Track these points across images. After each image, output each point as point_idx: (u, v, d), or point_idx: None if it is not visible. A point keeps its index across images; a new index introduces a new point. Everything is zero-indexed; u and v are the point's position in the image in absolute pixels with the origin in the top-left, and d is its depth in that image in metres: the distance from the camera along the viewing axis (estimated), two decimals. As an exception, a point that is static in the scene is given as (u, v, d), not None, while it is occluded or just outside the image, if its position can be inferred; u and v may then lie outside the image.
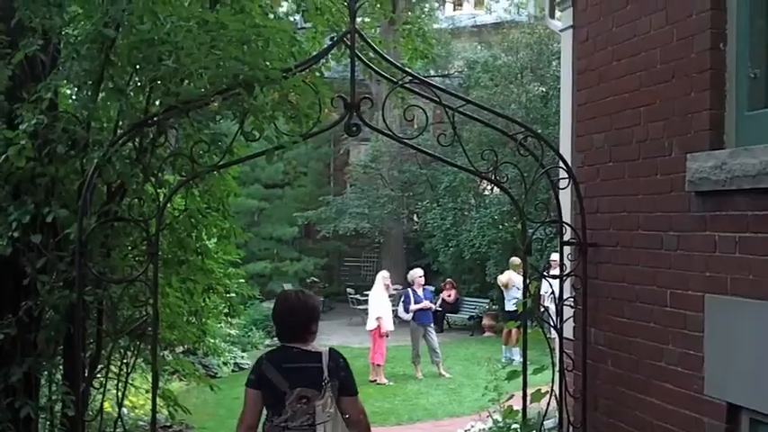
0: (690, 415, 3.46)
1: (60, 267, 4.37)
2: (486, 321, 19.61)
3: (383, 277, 14.09)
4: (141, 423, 8.59)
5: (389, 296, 14.55)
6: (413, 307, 14.07)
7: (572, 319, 4.45)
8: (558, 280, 4.41)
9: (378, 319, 13.43)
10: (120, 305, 4.61)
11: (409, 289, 14.48)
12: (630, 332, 3.98)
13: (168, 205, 5.20)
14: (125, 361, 4.97)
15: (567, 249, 4.54)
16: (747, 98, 3.37)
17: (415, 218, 24.10)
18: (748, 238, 3.17)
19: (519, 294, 15.01)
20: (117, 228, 4.67)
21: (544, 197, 5.76)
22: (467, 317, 20.51)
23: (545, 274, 16.71)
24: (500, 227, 19.16)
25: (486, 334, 19.30)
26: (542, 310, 16.52)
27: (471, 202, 21.51)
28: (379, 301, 13.69)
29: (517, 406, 8.22)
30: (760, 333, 3.08)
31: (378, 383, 13.04)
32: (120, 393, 4.80)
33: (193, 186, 4.71)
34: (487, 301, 19.99)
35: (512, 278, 15.07)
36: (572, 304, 4.41)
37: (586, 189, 4.39)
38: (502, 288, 15.38)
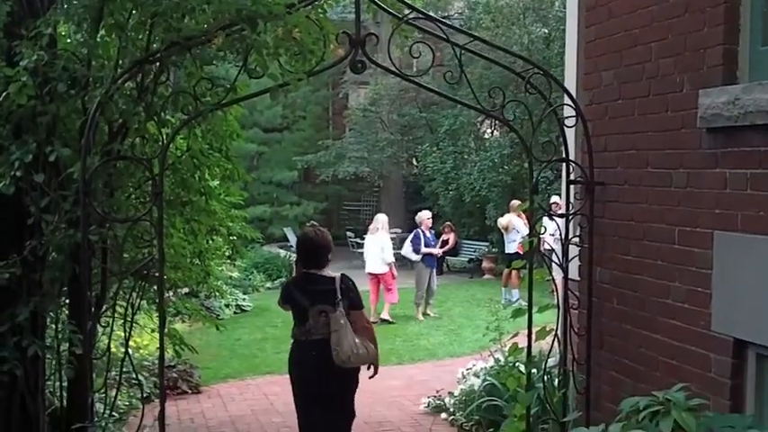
0: (696, 351, 3.49)
1: (64, 207, 4.34)
2: (485, 264, 19.71)
3: (385, 221, 14.00)
4: (146, 363, 8.67)
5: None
6: (424, 249, 14.22)
7: (577, 258, 4.45)
8: (563, 219, 4.39)
9: (390, 264, 13.61)
10: (125, 246, 4.61)
11: (419, 230, 14.56)
12: (637, 270, 3.98)
13: (171, 146, 5.17)
14: (130, 301, 4.98)
15: (573, 189, 4.51)
16: (762, 33, 3.31)
17: (415, 162, 24.00)
18: (760, 174, 3.14)
19: (519, 237, 15.18)
20: (120, 168, 4.63)
21: (549, 137, 5.70)
22: (466, 260, 20.62)
23: (551, 213, 16.60)
24: (500, 170, 19.10)
25: (486, 276, 19.42)
26: (545, 250, 16.55)
27: (471, 146, 21.41)
28: (388, 245, 13.75)
29: (520, 345, 8.36)
30: (769, 269, 3.08)
31: (389, 322, 13.32)
32: (126, 333, 4.81)
33: (196, 126, 4.66)
34: (487, 243, 20.07)
35: (512, 221, 15.09)
36: (578, 243, 4.41)
37: (594, 127, 4.34)
38: (502, 231, 15.41)
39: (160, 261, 3.88)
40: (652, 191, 3.88)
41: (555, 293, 4.48)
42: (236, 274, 16.06)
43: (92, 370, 4.38)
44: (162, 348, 4.04)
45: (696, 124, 3.48)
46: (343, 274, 5.13)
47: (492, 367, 7.46)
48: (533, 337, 4.52)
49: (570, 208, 4.49)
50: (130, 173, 4.60)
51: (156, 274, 5.20)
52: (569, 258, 4.40)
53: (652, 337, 3.85)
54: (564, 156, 4.42)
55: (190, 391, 8.80)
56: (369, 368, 5.18)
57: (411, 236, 14.82)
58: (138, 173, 4.62)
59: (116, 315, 5.36)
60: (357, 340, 4.94)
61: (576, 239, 4.40)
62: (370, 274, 13.73)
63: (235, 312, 14.68)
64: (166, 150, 3.83)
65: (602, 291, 4.26)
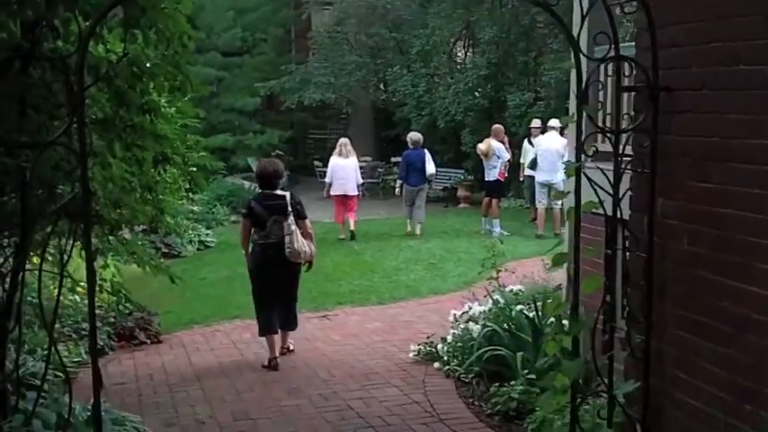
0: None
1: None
2: (461, 192, 18.82)
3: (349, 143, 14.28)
4: (99, 310, 7.65)
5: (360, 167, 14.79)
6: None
7: (629, 187, 3.50)
8: (617, 135, 3.37)
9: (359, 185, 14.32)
10: (47, 178, 3.57)
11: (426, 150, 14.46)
12: (719, 201, 3.05)
13: (103, 50, 4.06)
14: (62, 247, 3.94)
15: (626, 98, 3.51)
16: None
17: (382, 86, 22.76)
18: None
19: (499, 163, 14.25)
20: (35, 79, 3.52)
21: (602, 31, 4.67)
22: (440, 188, 19.70)
23: (531, 139, 15.49)
24: (476, 93, 18.05)
25: (462, 205, 18.55)
26: (525, 177, 15.47)
27: (445, 68, 20.25)
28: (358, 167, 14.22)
29: (509, 282, 7.49)
30: None
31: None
32: (58, 282, 3.82)
33: (133, 21, 3.54)
34: (462, 171, 19.14)
35: (492, 146, 14.11)
36: (632, 168, 3.44)
37: (657, 16, 3.32)
38: (481, 157, 14.42)
39: (83, 195, 2.84)
40: (744, 96, 2.91)
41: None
42: (197, 208, 15.00)
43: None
44: (92, 302, 3.04)
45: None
46: (291, 193, 7.02)
47: (491, 310, 6.59)
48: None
49: (622, 122, 3.48)
50: (48, 85, 3.49)
51: (93, 213, 4.21)
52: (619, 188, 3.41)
53: (741, 288, 2.94)
54: (615, 53, 3.36)
55: (149, 341, 7.81)
56: (305, 264, 7.00)
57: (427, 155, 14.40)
58: (58, 85, 3.51)
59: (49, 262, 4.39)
60: (305, 241, 6.83)
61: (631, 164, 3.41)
62: (342, 195, 13.76)
63: (198, 249, 13.62)
64: (87, 42, 2.74)
65: (666, 228, 3.33)
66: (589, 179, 3.22)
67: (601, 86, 3.63)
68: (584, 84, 3.22)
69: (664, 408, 3.36)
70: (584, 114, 3.32)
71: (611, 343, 3.48)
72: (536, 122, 15.31)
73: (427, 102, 19.39)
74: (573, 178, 3.30)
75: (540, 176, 13.81)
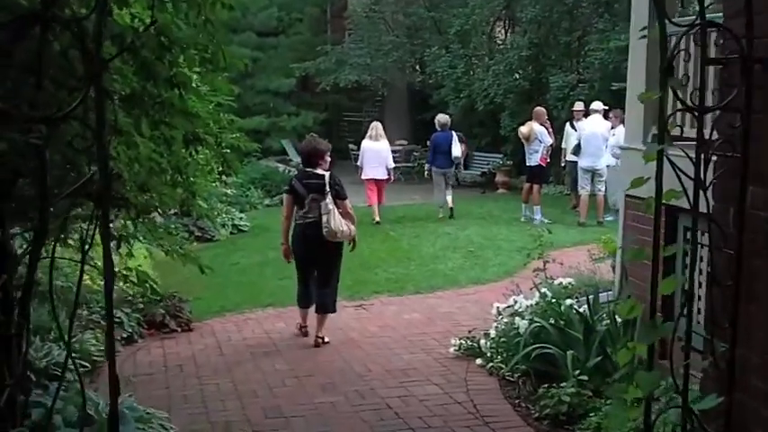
0: None
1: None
2: (499, 178, 18.37)
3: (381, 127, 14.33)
4: (128, 296, 7.42)
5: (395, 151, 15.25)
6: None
7: (712, 174, 3.07)
8: (702, 114, 2.95)
9: (390, 170, 14.15)
10: (76, 158, 3.27)
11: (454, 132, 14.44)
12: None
13: (129, 18, 3.73)
14: (85, 234, 3.64)
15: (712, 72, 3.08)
16: None
17: (419, 68, 22.27)
18: None
19: (541, 148, 13.77)
20: (53, 50, 3.19)
21: None
22: (478, 173, 19.28)
23: (573, 122, 14.98)
24: (517, 74, 17.52)
25: (500, 191, 18.10)
26: (566, 163, 14.97)
27: (484, 48, 19.72)
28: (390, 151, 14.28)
29: (553, 273, 7.09)
30: None
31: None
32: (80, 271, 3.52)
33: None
34: (501, 155, 18.67)
35: (534, 129, 13.63)
36: (717, 152, 3.01)
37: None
38: (523, 141, 13.94)
39: (101, 174, 2.51)
40: None
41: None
42: (231, 191, 14.76)
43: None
44: (109, 296, 2.72)
45: None
46: (332, 173, 6.99)
47: (538, 304, 6.20)
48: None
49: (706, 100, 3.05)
50: (67, 56, 3.16)
51: (118, 196, 3.91)
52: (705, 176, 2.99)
53: None
54: (700, 19, 2.92)
55: (179, 329, 7.56)
56: (350, 244, 7.06)
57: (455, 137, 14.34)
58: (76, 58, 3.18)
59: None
60: (343, 221, 6.82)
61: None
62: (372, 180, 13.76)
63: (231, 233, 13.39)
64: (104, 2, 2.41)
65: (756, 221, 2.91)
66: (672, 164, 2.81)
67: (687, 57, 3.19)
68: (669, 53, 2.80)
69: (748, 426, 2.97)
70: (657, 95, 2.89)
71: (688, 352, 3.08)
72: (579, 105, 14.78)
73: (465, 84, 18.90)
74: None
75: (583, 162, 13.33)
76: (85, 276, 4.45)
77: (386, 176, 13.89)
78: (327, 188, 6.78)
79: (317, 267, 6.99)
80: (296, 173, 8.15)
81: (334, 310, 7.07)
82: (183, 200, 5.26)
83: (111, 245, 3.69)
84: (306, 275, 7.05)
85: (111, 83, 3.46)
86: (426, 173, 14.79)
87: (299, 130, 21.77)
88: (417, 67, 22.21)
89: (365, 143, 14.08)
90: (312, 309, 7.05)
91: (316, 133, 8.01)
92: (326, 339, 6.94)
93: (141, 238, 4.42)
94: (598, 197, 13.30)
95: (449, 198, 14.05)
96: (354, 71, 21.18)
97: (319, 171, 6.89)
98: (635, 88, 5.91)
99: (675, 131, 3.19)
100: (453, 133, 14.33)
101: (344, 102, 23.81)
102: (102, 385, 5.77)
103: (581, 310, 5.82)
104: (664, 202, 2.87)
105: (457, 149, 14.18)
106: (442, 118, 14.47)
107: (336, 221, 6.72)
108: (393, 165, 14.40)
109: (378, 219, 13.59)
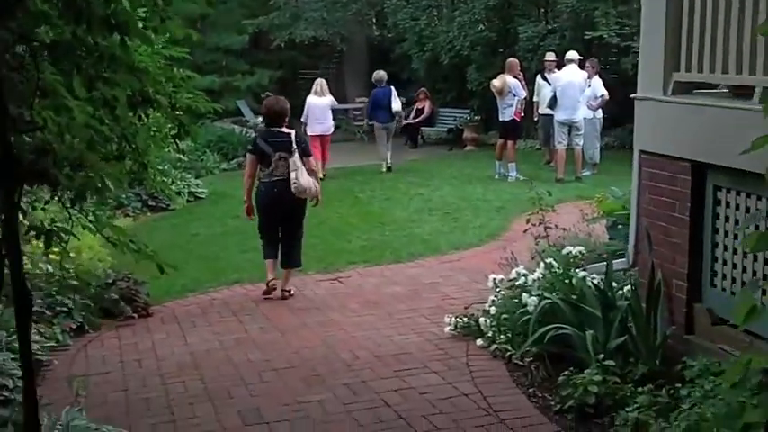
0: None
1: None
2: (467, 134, 17.67)
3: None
4: (74, 281, 6.56)
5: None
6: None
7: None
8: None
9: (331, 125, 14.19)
10: None
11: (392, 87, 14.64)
12: None
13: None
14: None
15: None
16: None
17: (378, 21, 21.28)
18: None
19: (515, 101, 13.05)
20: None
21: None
22: (444, 130, 18.52)
23: (545, 74, 14.25)
24: (483, 25, 16.70)
25: (468, 148, 17.42)
26: (539, 116, 14.22)
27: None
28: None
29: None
30: None
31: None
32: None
33: None
34: (468, 111, 17.92)
35: (507, 82, 12.89)
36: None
37: None
38: (495, 95, 13.19)
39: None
40: None
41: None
42: (185, 157, 13.75)
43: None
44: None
45: None
46: (296, 131, 7.40)
47: (544, 276, 5.52)
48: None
49: None
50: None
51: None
52: None
53: None
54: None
55: (136, 315, 6.70)
56: (313, 200, 7.19)
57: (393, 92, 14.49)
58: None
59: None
60: (310, 178, 7.01)
61: None
62: (318, 135, 13.53)
63: (188, 201, 12.48)
64: None
65: None
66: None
67: None
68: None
69: None
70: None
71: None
72: (550, 56, 14.06)
73: (429, 36, 18.03)
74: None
75: (559, 115, 12.65)
76: (25, 260, 3.60)
77: (330, 132, 14.07)
78: (294, 146, 6.96)
79: (283, 224, 7.13)
80: (258, 132, 8.34)
81: (299, 265, 7.35)
82: (134, 173, 4.40)
83: (39, 242, 2.89)
84: (271, 233, 7.17)
85: (27, 26, 2.60)
86: (366, 126, 15.58)
87: (253, 89, 20.72)
88: (377, 20, 21.21)
89: (310, 98, 13.96)
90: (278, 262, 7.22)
91: (271, 92, 8.54)
92: (292, 292, 7.16)
93: (80, 229, 3.54)
94: (576, 151, 12.69)
95: (388, 154, 14.39)
96: (310, 26, 20.21)
97: (285, 129, 7.11)
98: (651, 33, 5.22)
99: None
100: (392, 88, 14.57)
101: (301, 59, 22.77)
102: (49, 388, 4.99)
103: (596, 281, 5.16)
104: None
105: (396, 104, 14.47)
106: (377, 74, 14.82)
107: (305, 178, 6.94)
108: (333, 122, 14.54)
109: (320, 174, 13.19)
